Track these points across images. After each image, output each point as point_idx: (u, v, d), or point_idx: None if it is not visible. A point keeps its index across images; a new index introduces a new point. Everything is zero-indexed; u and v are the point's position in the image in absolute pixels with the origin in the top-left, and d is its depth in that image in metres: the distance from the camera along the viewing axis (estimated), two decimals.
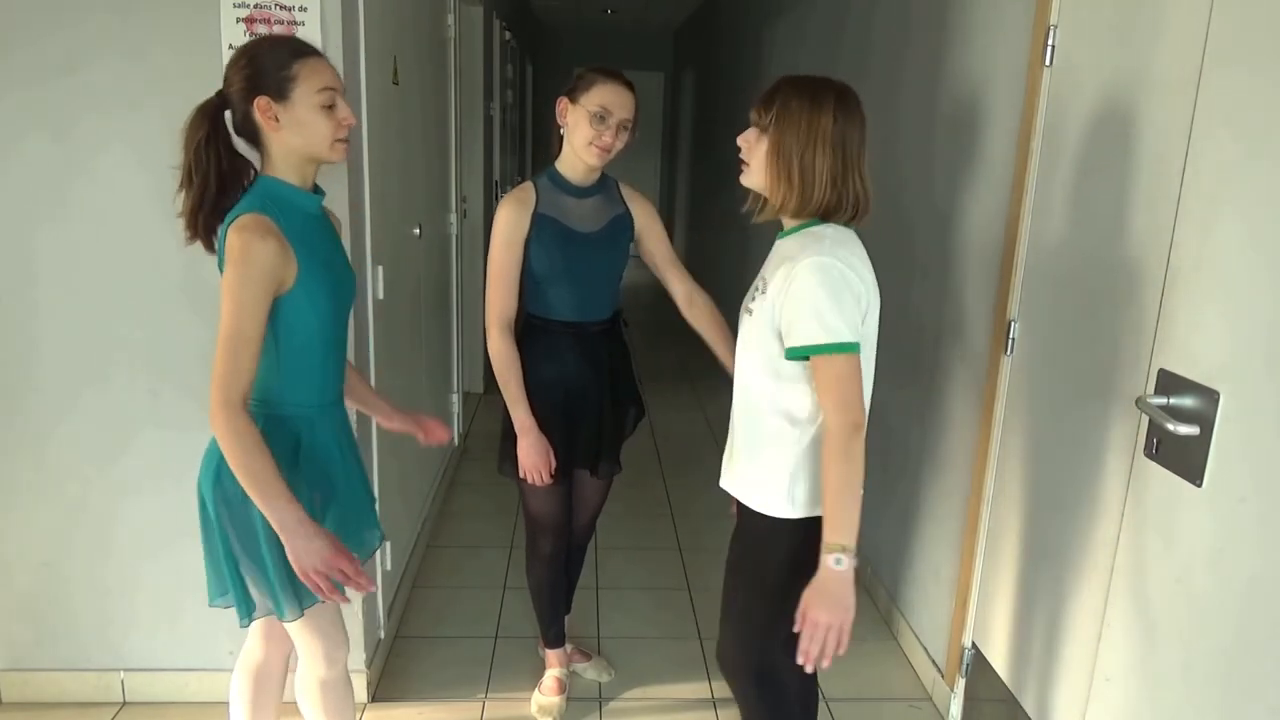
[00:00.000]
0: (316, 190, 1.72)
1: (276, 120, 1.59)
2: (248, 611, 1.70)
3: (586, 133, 2.09)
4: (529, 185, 2.19)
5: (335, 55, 2.13)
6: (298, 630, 1.75)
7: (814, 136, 1.60)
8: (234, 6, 2.08)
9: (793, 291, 1.59)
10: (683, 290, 2.34)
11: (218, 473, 1.63)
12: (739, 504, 1.81)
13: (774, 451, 1.71)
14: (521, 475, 2.22)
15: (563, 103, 2.14)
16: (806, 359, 1.62)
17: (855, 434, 1.59)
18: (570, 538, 2.51)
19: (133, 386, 2.24)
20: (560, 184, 2.19)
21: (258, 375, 1.59)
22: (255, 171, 1.68)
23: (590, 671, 2.68)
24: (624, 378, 2.38)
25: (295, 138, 1.61)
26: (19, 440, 2.28)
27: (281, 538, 1.55)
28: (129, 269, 2.20)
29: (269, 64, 1.59)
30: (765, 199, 1.70)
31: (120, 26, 2.10)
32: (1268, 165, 1.40)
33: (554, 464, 2.21)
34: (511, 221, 2.14)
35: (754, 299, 1.71)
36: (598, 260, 2.23)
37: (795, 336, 1.60)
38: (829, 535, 1.58)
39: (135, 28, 2.09)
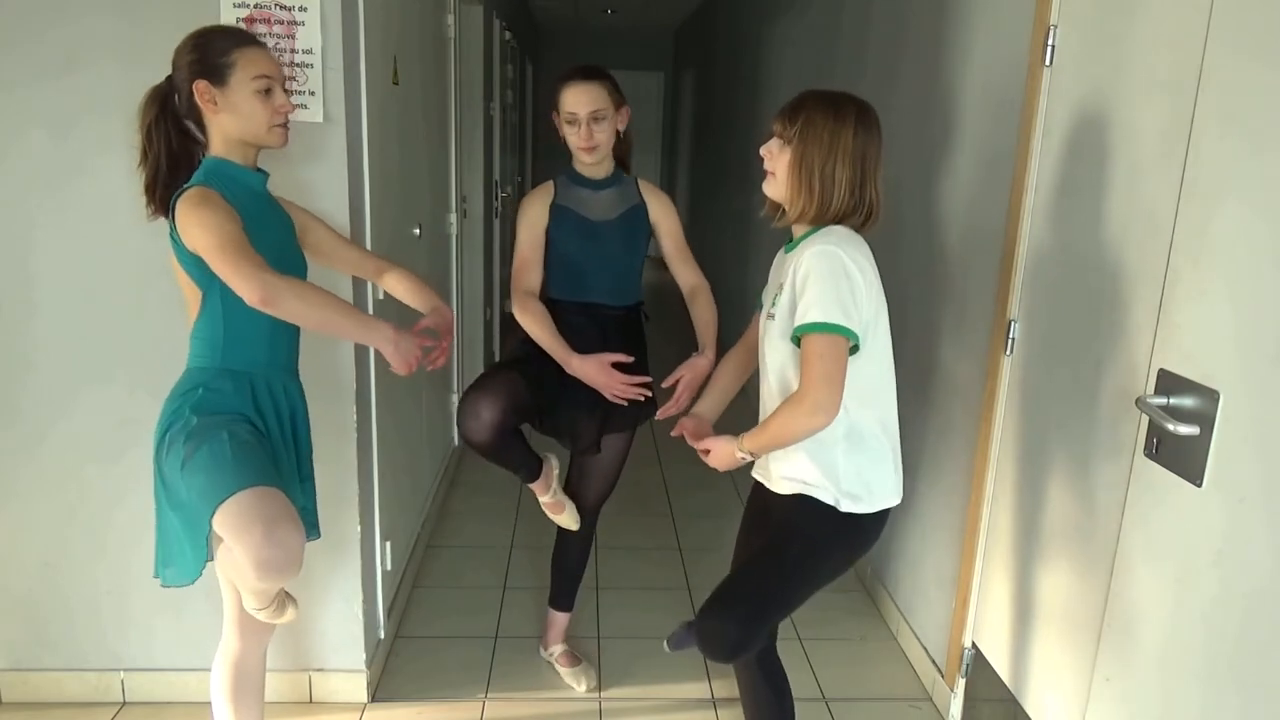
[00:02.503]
0: (259, 171, 1.80)
1: (214, 104, 1.69)
2: (203, 559, 1.69)
3: (571, 138, 2.27)
4: (550, 182, 2.39)
5: (335, 55, 2.14)
6: (227, 531, 1.58)
7: (836, 150, 1.68)
8: (234, 6, 2.08)
9: (798, 279, 1.67)
10: (686, 284, 2.45)
11: (164, 433, 1.70)
12: (774, 494, 1.84)
13: (817, 449, 1.74)
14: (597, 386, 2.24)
15: (554, 115, 2.31)
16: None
17: (814, 413, 1.63)
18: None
19: (132, 387, 2.24)
20: (576, 179, 2.36)
21: (208, 330, 1.72)
22: (205, 151, 1.75)
23: (569, 677, 2.65)
24: (636, 367, 2.39)
25: (232, 121, 1.71)
26: (19, 440, 2.28)
27: (384, 349, 1.71)
28: (128, 269, 2.19)
29: (211, 50, 1.69)
30: (783, 207, 1.77)
31: (120, 26, 2.10)
32: (1268, 163, 1.40)
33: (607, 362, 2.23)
34: (532, 211, 2.34)
35: (775, 303, 1.76)
36: (612, 246, 2.36)
37: (798, 318, 1.66)
38: (749, 440, 1.74)
39: (135, 28, 2.09)
